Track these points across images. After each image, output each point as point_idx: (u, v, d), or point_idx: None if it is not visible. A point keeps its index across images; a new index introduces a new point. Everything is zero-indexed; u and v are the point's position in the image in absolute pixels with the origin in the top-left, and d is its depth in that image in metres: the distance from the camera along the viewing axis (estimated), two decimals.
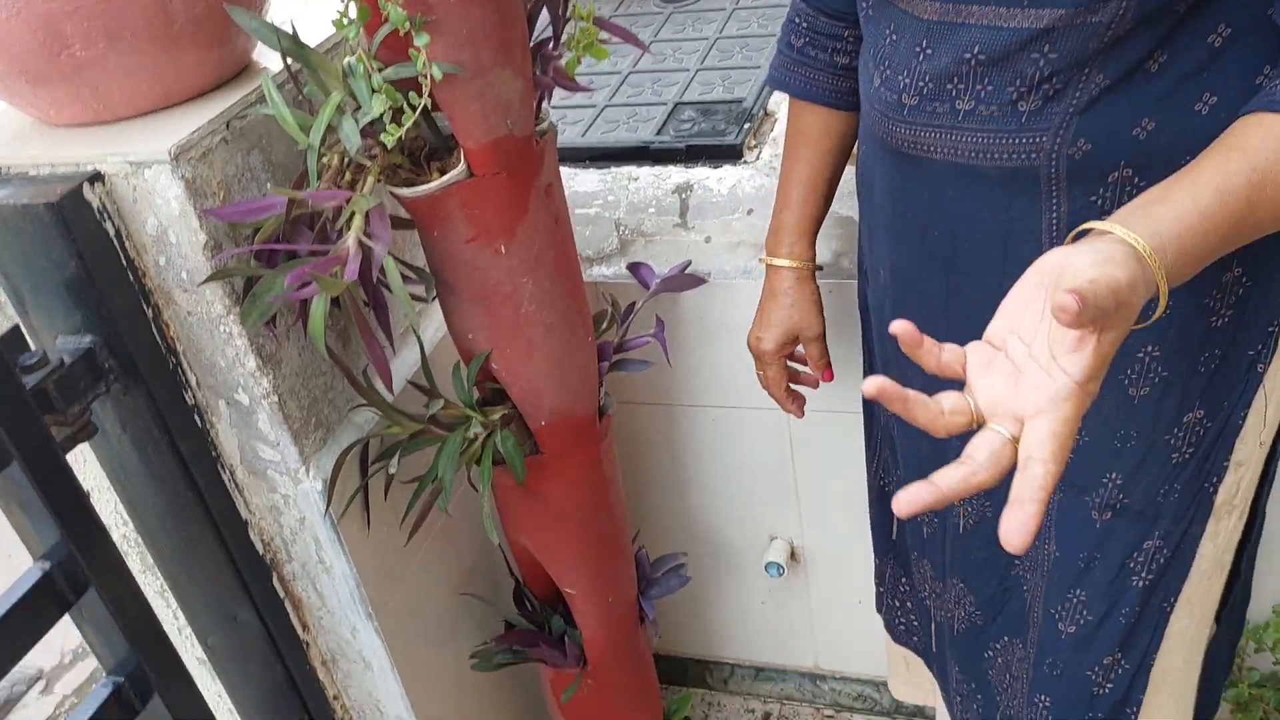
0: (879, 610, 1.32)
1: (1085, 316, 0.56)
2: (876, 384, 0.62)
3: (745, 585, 1.66)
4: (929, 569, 1.13)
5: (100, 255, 0.90)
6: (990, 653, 1.08)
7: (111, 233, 0.90)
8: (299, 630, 1.18)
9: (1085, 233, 0.66)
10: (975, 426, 0.64)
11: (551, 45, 1.04)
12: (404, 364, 1.19)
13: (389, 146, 0.88)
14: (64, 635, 2.26)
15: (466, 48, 0.89)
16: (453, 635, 1.37)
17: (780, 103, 1.46)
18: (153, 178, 0.88)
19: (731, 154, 1.38)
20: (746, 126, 1.42)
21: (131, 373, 0.94)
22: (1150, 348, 0.84)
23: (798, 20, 1.06)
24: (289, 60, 0.89)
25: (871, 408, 1.20)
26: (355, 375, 1.06)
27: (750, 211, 1.32)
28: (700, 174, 1.38)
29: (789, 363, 1.20)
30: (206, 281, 0.91)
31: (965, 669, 1.12)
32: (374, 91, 0.87)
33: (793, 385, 1.21)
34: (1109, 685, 0.98)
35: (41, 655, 2.24)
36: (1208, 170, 0.67)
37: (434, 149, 0.99)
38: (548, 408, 1.14)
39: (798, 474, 1.51)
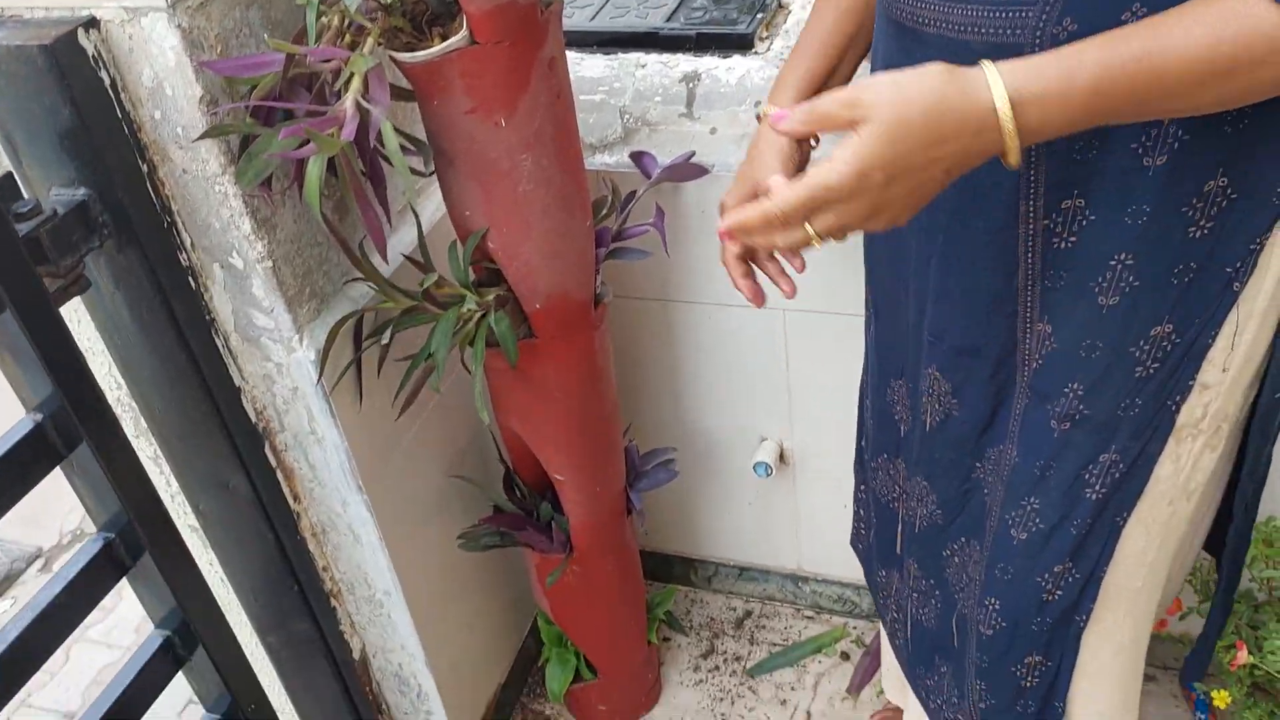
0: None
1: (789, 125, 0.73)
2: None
3: (733, 485, 1.68)
4: (903, 468, 1.13)
5: (95, 105, 0.88)
6: (948, 552, 1.09)
7: (107, 82, 0.88)
8: (290, 500, 1.19)
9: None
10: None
11: None
12: (401, 242, 1.18)
13: (388, 3, 0.86)
14: (63, 515, 2.29)
15: None
16: (442, 515, 1.38)
17: None
18: (149, 25, 0.86)
19: (742, 44, 1.36)
20: (759, 16, 1.38)
21: (125, 229, 0.93)
22: (1123, 255, 0.83)
23: None
24: None
25: (868, 323, 1.18)
26: (351, 246, 1.05)
27: (758, 103, 1.30)
28: (709, 63, 1.35)
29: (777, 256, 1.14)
30: (202, 137, 0.90)
31: (924, 565, 1.13)
32: None
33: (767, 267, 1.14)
34: (1059, 592, 0.99)
35: (40, 534, 2.27)
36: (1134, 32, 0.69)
37: (436, 14, 0.97)
38: (543, 290, 1.14)
39: (791, 376, 1.51)
